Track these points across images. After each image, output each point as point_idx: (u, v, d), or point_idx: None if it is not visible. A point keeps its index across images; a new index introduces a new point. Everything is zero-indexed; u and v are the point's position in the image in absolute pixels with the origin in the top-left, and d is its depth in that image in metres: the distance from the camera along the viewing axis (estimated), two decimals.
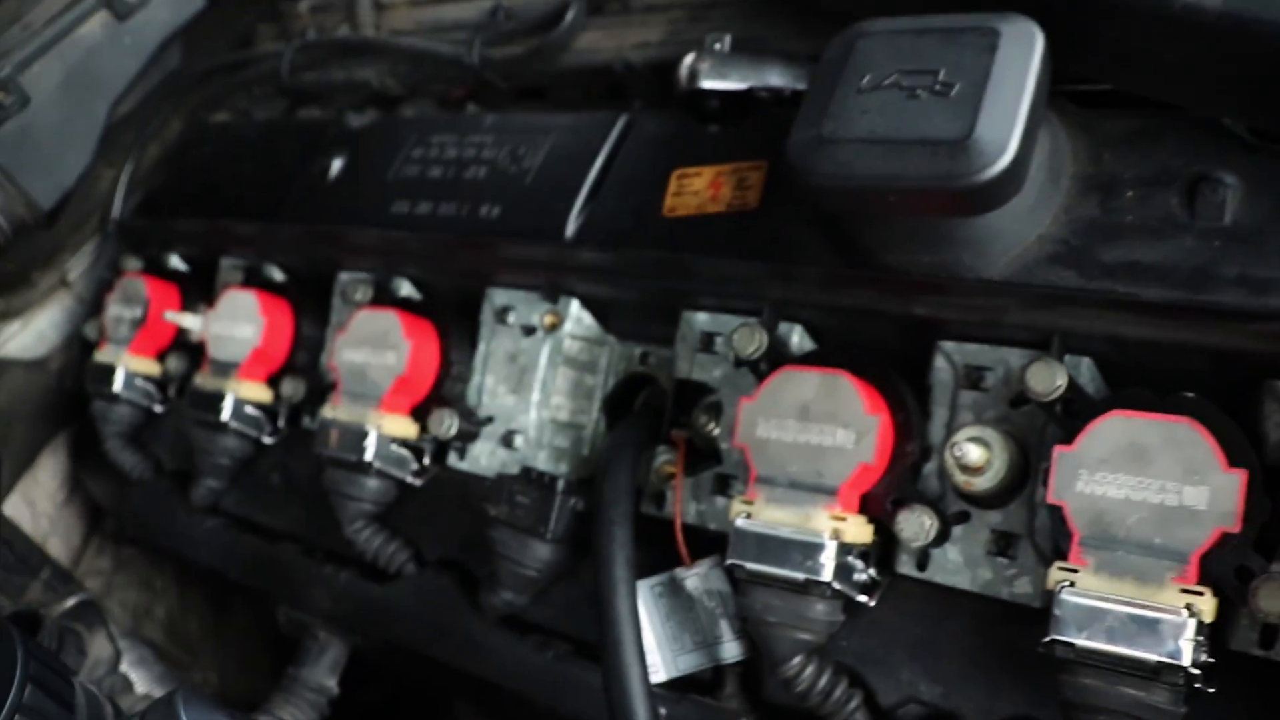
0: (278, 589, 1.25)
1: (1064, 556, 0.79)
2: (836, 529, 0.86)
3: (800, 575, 0.85)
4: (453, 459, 1.16)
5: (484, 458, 1.14)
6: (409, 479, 1.15)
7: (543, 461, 1.10)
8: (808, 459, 0.88)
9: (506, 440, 1.12)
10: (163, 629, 1.75)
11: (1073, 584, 0.77)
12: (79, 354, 1.57)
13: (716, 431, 1.01)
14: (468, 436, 1.13)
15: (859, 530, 0.87)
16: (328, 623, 1.22)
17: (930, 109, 0.79)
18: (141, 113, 1.60)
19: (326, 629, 1.22)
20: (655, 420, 1.05)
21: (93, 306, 1.58)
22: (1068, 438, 0.80)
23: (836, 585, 0.85)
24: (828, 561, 0.85)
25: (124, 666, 1.37)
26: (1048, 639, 0.76)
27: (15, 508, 1.61)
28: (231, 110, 1.64)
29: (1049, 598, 0.79)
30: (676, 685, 0.97)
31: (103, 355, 1.47)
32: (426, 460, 1.16)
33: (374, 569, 1.17)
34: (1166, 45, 0.80)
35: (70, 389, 1.57)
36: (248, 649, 1.84)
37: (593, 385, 1.13)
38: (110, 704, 1.02)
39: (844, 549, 0.86)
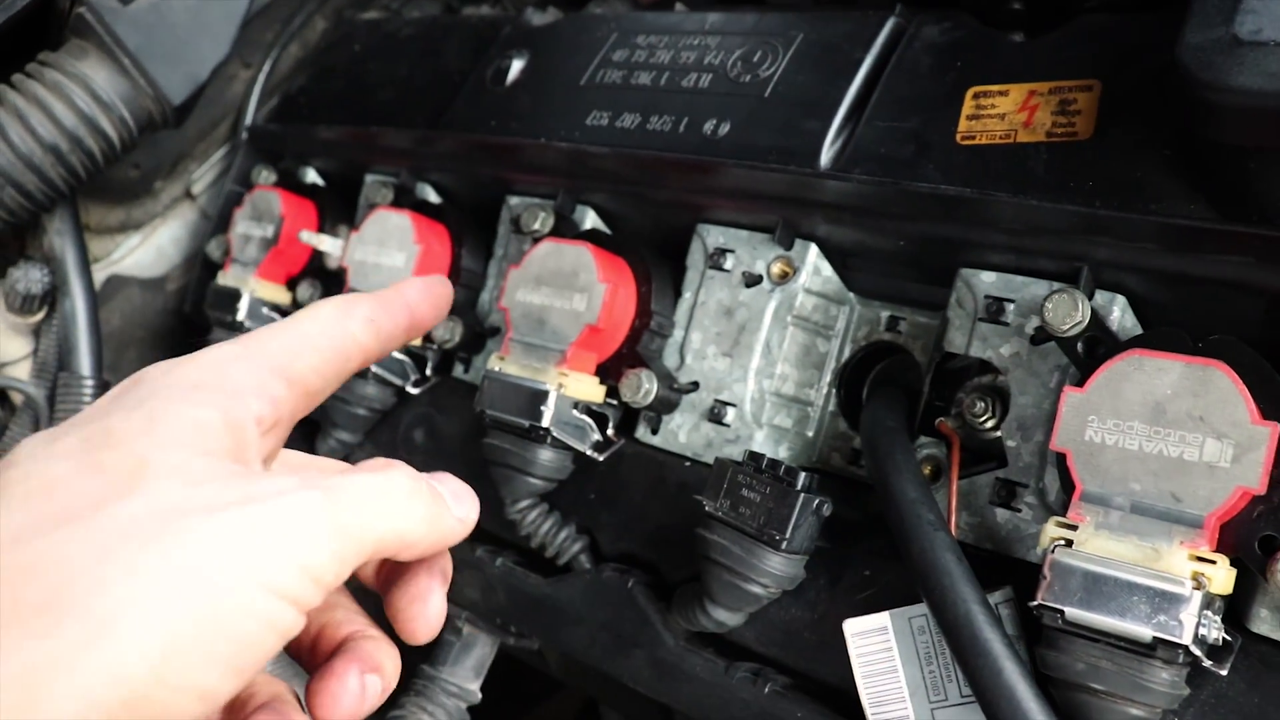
0: None
1: None
2: (1199, 574, 0.63)
3: (1148, 632, 0.63)
4: (642, 431, 0.95)
5: (683, 433, 0.92)
6: (589, 452, 0.94)
7: (760, 442, 0.89)
8: (1159, 476, 0.66)
9: (714, 414, 0.90)
10: None
11: None
12: (201, 275, 1.39)
13: (993, 423, 0.80)
14: (665, 405, 0.92)
15: (1226, 577, 0.64)
16: (474, 616, 1.02)
17: None
18: (281, 7, 1.42)
19: (472, 623, 1.02)
20: (911, 401, 0.83)
21: (218, 223, 1.39)
22: None
23: (1194, 649, 0.63)
24: (1189, 618, 0.62)
25: None
26: None
27: None
28: (381, 8, 1.44)
29: None
30: None
31: (227, 278, 1.28)
32: (610, 431, 0.95)
33: (536, 558, 0.97)
34: None
35: (190, 314, 1.39)
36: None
37: (825, 353, 0.91)
38: None
39: (1206, 600, 0.63)
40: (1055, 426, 0.69)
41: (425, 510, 0.54)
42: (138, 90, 1.14)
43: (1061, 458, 0.69)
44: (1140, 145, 0.72)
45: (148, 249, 1.42)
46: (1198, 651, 0.63)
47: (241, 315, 1.24)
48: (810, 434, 0.91)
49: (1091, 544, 0.66)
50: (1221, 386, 0.65)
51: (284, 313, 1.27)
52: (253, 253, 1.27)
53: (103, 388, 1.21)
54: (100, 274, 1.39)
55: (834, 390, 0.91)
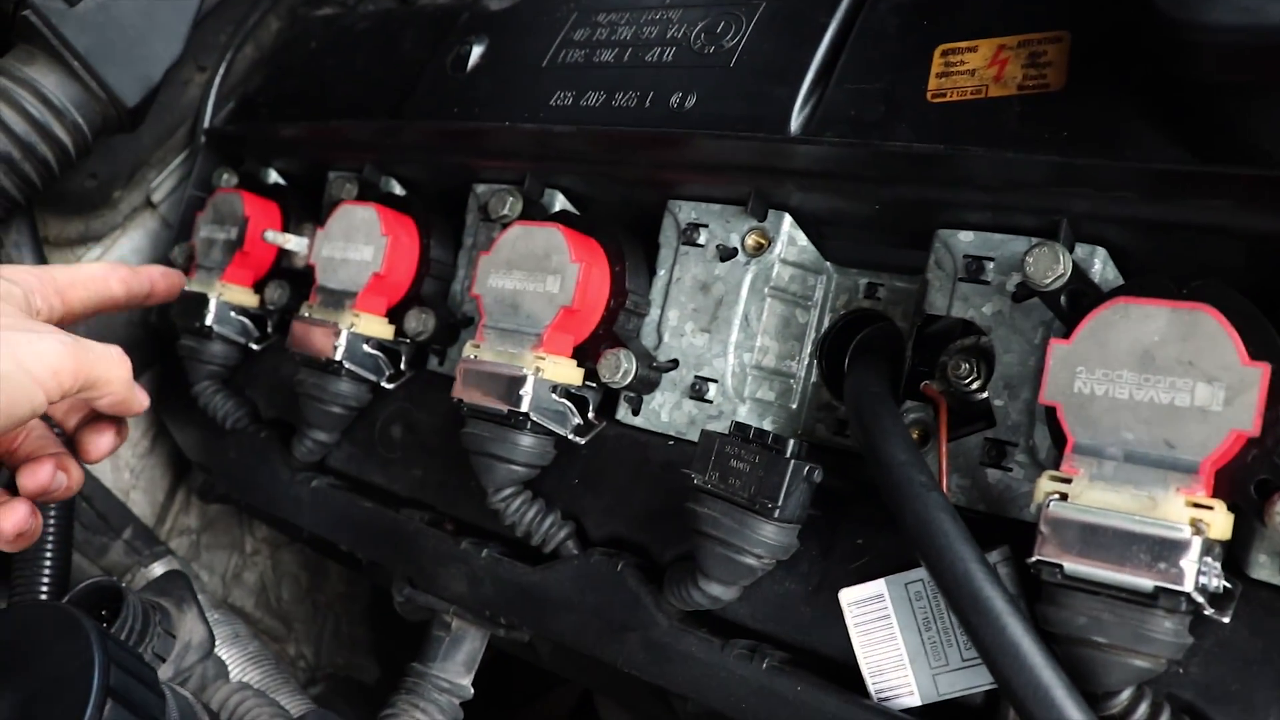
0: (401, 565, 1.04)
1: None
2: (1198, 519, 0.62)
3: (1149, 582, 0.62)
4: (623, 412, 0.94)
5: (665, 411, 0.91)
6: (570, 436, 0.92)
7: (744, 417, 0.88)
8: (1152, 423, 0.65)
9: (696, 390, 0.89)
10: (253, 596, 1.56)
11: None
12: None
13: (978, 384, 0.79)
14: (645, 385, 0.91)
15: (1225, 522, 0.63)
16: (462, 609, 1.00)
17: None
18: (234, 7, 1.40)
19: (460, 617, 1.01)
20: (894, 367, 0.82)
21: (180, 229, 1.37)
22: None
23: (1196, 596, 0.62)
24: (1189, 564, 0.62)
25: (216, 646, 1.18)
26: None
27: None
28: (336, 4, 1.43)
29: None
30: (936, 713, 0.74)
31: (193, 284, 1.26)
32: (591, 414, 0.94)
33: (522, 547, 0.95)
34: None
35: (155, 324, 1.37)
36: (345, 621, 1.65)
37: (805, 323, 0.90)
38: (207, 713, 0.82)
39: (1206, 547, 0.62)
40: (1043, 380, 0.68)
41: (126, 375, 0.85)
42: (90, 94, 1.12)
43: (1051, 411, 0.68)
44: (1114, 93, 0.71)
45: (109, 260, 1.40)
46: (1200, 599, 0.62)
47: (209, 320, 1.22)
48: (794, 406, 0.90)
49: (1087, 496, 0.66)
50: (1209, 330, 0.64)
51: (252, 317, 1.25)
52: (218, 256, 1.25)
53: None
54: None
55: (815, 360, 0.90)
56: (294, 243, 1.20)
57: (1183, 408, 0.64)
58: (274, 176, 1.32)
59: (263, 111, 1.34)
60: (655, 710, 1.05)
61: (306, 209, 1.27)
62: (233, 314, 1.24)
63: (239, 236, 1.23)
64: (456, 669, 1.01)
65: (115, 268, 0.99)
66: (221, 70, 1.39)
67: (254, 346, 1.26)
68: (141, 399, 0.91)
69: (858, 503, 0.81)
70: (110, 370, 0.83)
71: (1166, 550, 0.62)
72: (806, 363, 0.90)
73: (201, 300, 1.23)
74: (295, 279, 1.23)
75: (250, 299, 1.24)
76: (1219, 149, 0.66)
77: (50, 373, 0.77)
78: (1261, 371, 0.62)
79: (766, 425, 0.89)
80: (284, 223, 1.25)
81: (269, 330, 1.26)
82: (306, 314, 1.12)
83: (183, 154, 1.41)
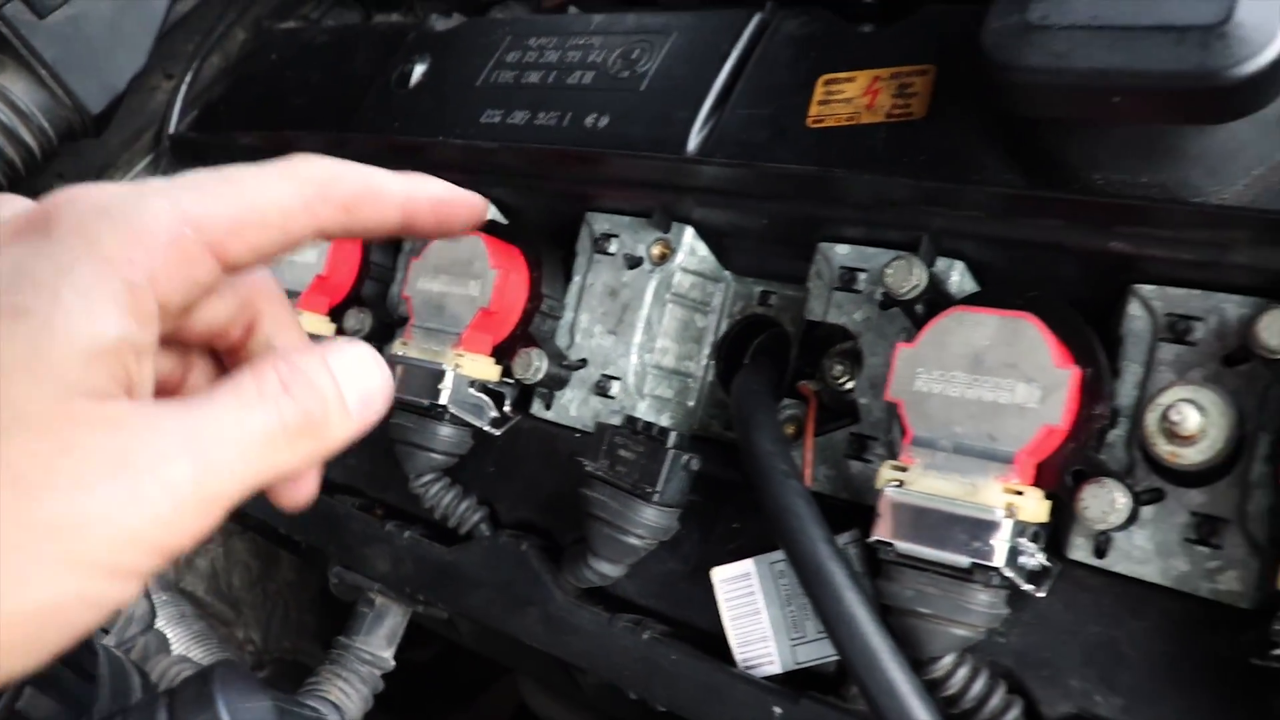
0: (331, 546, 1.11)
1: None
2: (1011, 504, 0.70)
3: (965, 559, 0.70)
4: (536, 407, 1.01)
5: (574, 407, 0.99)
6: (486, 428, 1.00)
7: (643, 412, 0.95)
8: (978, 418, 0.73)
9: (601, 387, 0.97)
10: (204, 581, 1.62)
11: None
12: None
13: (852, 384, 0.87)
14: (556, 382, 0.98)
15: (1036, 507, 0.71)
16: (386, 587, 1.07)
17: None
18: (202, 18, 1.47)
19: (384, 594, 1.08)
20: (779, 368, 0.90)
21: None
22: None
23: (1007, 572, 0.70)
24: (1000, 544, 0.69)
25: (160, 623, 1.25)
26: (1277, 652, 0.63)
27: None
28: (300, 18, 1.50)
29: (1271, 599, 0.66)
30: (794, 680, 0.82)
31: None
32: (507, 407, 1.01)
33: (441, 529, 1.03)
34: None
35: None
36: (293, 607, 1.71)
37: (704, 328, 0.98)
38: (138, 673, 0.89)
39: (1018, 528, 0.70)
40: (889, 379, 0.76)
41: (312, 448, 0.48)
42: (56, 101, 1.20)
43: (894, 407, 0.76)
44: (967, 123, 0.79)
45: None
46: (1010, 574, 0.70)
47: None
48: (691, 403, 0.98)
49: (920, 483, 0.73)
50: (1030, 336, 0.72)
51: None
52: None
53: None
54: None
55: (713, 362, 0.98)
56: None
57: (1004, 405, 0.72)
58: None
59: (224, 120, 1.41)
60: (567, 686, 1.12)
61: None
62: None
63: None
64: (379, 642, 1.08)
65: (334, 182, 0.52)
66: (188, 78, 1.46)
67: None
68: (365, 419, 0.51)
69: (739, 491, 0.89)
70: (281, 465, 0.47)
71: (980, 531, 0.70)
72: (705, 364, 0.98)
73: None
74: None
75: None
76: (1046, 175, 0.74)
77: (152, 552, 0.43)
78: (1071, 373, 0.70)
79: (664, 420, 0.96)
80: None
81: None
82: None
83: (148, 158, 1.48)
